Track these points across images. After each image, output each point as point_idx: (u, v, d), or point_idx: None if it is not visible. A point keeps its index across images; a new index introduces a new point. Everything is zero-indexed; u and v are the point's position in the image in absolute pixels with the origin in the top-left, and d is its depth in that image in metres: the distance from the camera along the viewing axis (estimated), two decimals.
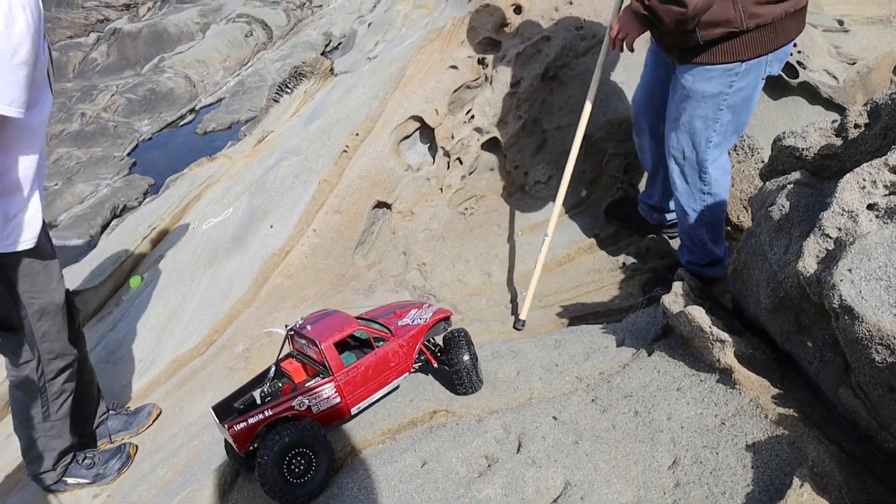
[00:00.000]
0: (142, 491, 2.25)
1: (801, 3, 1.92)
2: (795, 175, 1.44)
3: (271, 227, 3.16)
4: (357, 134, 3.15)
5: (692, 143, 2.17)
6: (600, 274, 2.78)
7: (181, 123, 9.65)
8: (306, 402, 1.52)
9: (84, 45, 10.93)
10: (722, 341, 1.36)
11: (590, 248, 2.90)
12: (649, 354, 1.58)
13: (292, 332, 1.75)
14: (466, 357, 1.61)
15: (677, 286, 1.59)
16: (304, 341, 1.69)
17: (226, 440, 1.62)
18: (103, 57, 10.57)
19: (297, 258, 3.07)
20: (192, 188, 4.63)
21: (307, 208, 3.13)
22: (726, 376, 1.36)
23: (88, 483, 2.45)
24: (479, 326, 2.55)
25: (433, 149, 3.17)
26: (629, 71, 3.09)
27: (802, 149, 1.45)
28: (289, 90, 6.03)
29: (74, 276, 4.13)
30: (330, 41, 10.63)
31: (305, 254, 3.07)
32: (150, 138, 9.30)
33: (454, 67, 3.09)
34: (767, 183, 1.52)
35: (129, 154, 8.81)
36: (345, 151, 3.17)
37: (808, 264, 1.19)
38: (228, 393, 2.54)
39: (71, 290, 3.64)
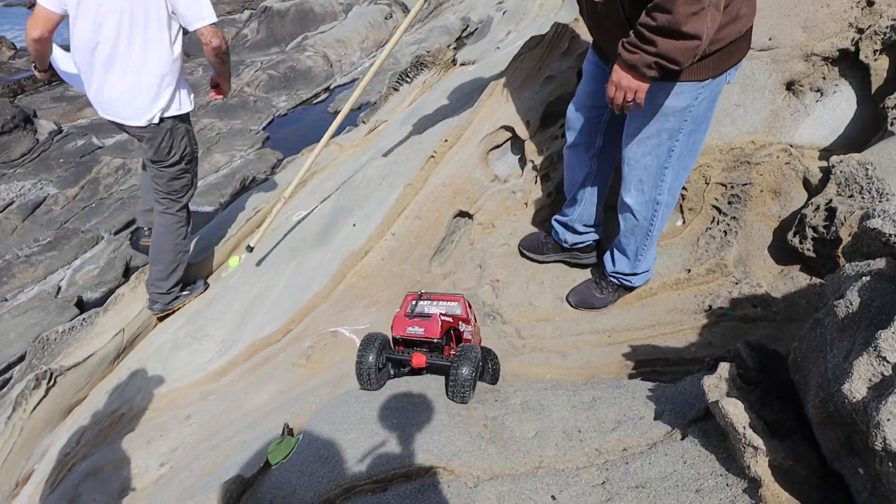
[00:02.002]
0: (194, 468, 2.37)
1: (754, 13, 1.97)
2: (879, 263, 1.21)
3: (354, 225, 3.19)
4: (446, 140, 3.09)
5: (655, 154, 2.19)
6: (682, 315, 2.56)
7: (315, 101, 10.04)
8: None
9: (238, 21, 11.62)
10: (755, 447, 1.18)
11: (675, 285, 2.68)
12: (682, 437, 1.41)
13: (414, 295, 2.11)
14: (465, 371, 1.72)
15: (724, 368, 1.40)
16: (427, 302, 2.06)
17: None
18: (253, 33, 11.20)
19: (375, 260, 3.09)
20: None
21: (390, 211, 3.13)
22: (754, 489, 1.18)
23: (188, 299, 3.65)
24: (538, 357, 2.44)
25: (522, 162, 3.05)
26: (747, 91, 2.80)
27: (890, 235, 1.21)
28: (409, 79, 6.06)
29: (197, 241, 4.42)
30: (467, 26, 10.62)
31: (383, 256, 3.08)
32: (285, 114, 9.75)
33: (551, 78, 2.94)
34: (847, 266, 1.29)
35: (263, 128, 9.30)
36: (432, 157, 3.12)
37: (857, 388, 1.00)
38: (291, 386, 2.61)
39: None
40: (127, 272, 6.71)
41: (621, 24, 1.91)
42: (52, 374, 3.32)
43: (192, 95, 3.27)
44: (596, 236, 2.72)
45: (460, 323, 2.05)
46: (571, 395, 1.70)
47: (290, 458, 1.60)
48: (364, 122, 6.11)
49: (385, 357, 1.86)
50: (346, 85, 10.23)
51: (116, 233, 7.33)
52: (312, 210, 3.51)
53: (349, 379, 2.28)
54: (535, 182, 3.00)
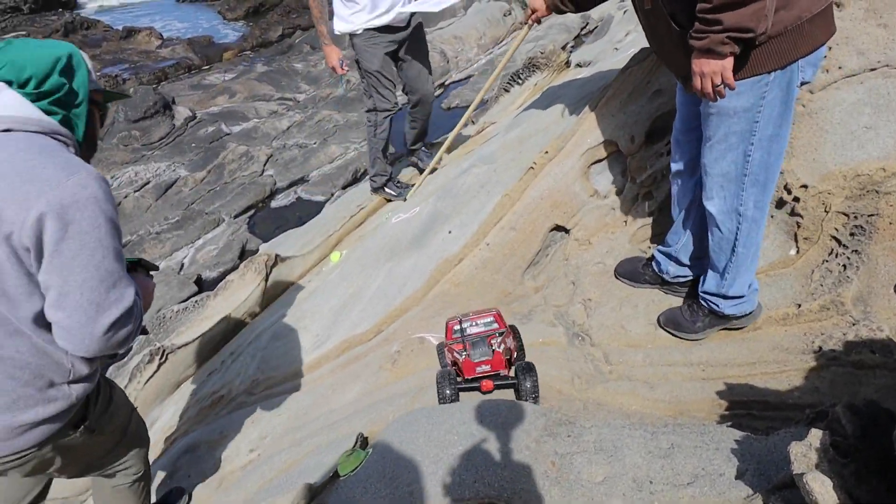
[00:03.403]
0: (276, 462, 2.47)
1: (823, 3, 1.82)
2: None
3: (450, 232, 3.20)
4: (546, 151, 3.03)
5: (730, 160, 2.09)
6: (787, 354, 2.37)
7: None
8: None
9: None
10: None
11: (783, 320, 2.49)
12: None
13: (456, 321, 2.41)
14: (529, 384, 2.11)
15: (815, 436, 1.28)
16: (469, 323, 2.36)
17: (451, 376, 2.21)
18: None
19: (468, 268, 3.08)
20: (412, 173, 4.87)
21: (486, 220, 3.11)
22: None
23: (395, 197, 4.30)
24: (624, 386, 2.34)
25: (624, 178, 2.94)
26: (880, 112, 2.54)
27: None
28: (520, 81, 6.00)
29: (295, 238, 4.62)
30: (587, 24, 10.38)
31: (476, 265, 3.07)
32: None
33: (659, 92, 2.80)
34: None
35: None
36: (532, 168, 3.07)
37: None
38: (374, 388, 2.66)
39: (283, 255, 4.07)
40: (243, 254, 7.11)
41: (666, 24, 1.93)
42: (164, 350, 3.57)
43: None
44: (700, 271, 2.57)
45: (497, 335, 2.31)
46: (649, 439, 1.62)
47: (357, 471, 1.63)
48: (473, 123, 6.12)
49: (457, 388, 2.17)
50: (461, 81, 10.28)
51: (236, 216, 7.77)
52: (411, 212, 3.55)
53: (428, 391, 2.30)
54: (637, 200, 2.88)
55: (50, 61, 1.54)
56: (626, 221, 2.91)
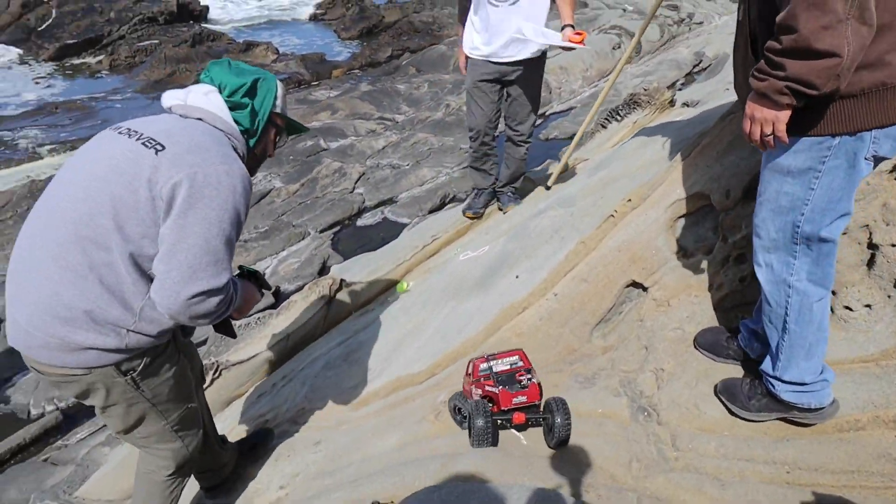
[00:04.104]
0: None
1: None
2: None
3: (517, 277, 2.98)
4: (630, 199, 2.76)
5: (779, 224, 1.87)
6: None
7: None
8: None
9: None
10: None
11: (894, 423, 2.10)
12: None
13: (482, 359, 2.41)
14: (560, 419, 2.10)
15: None
16: (495, 361, 2.37)
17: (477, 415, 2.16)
18: None
19: (532, 318, 2.85)
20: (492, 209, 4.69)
21: (557, 268, 2.87)
22: None
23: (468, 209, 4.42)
24: (690, 480, 2.03)
25: (715, 236, 2.62)
26: None
27: None
28: (619, 117, 5.71)
29: (366, 262, 4.52)
30: (700, 62, 9.92)
31: (541, 316, 2.83)
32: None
33: None
34: None
35: None
36: (612, 216, 2.81)
37: None
38: (412, 440, 2.47)
39: (350, 279, 3.97)
40: (322, 270, 7.13)
41: (745, 48, 1.78)
42: (218, 366, 3.53)
43: None
44: None
45: (523, 370, 2.31)
46: None
47: None
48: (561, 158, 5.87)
49: (492, 419, 2.15)
50: (562, 113, 10.04)
51: (322, 231, 7.84)
52: (480, 251, 3.36)
53: (462, 458, 2.08)
54: (727, 262, 2.55)
55: (239, 83, 1.92)
56: (712, 285, 2.58)
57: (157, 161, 1.69)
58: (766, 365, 2.13)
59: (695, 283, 2.62)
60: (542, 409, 2.23)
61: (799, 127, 1.65)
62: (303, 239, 7.71)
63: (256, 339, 3.85)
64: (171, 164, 1.69)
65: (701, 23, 10.91)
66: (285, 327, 3.83)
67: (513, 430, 2.31)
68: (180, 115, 1.88)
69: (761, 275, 2.00)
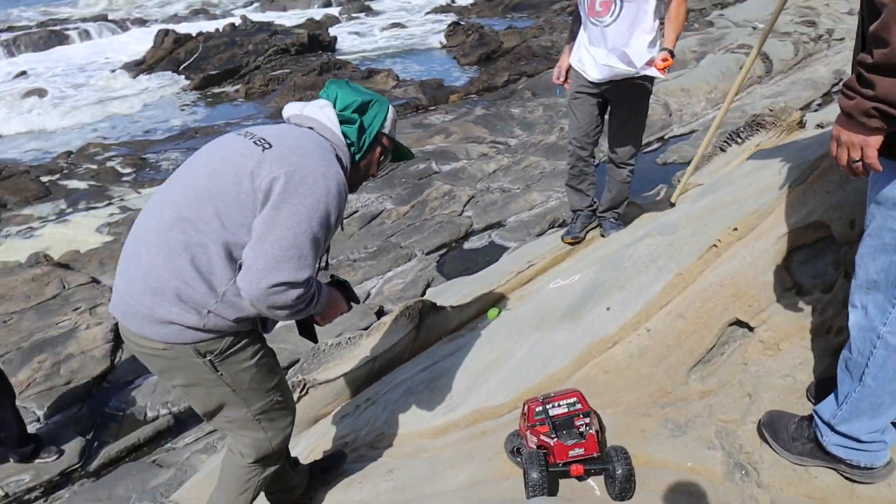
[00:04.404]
0: None
1: None
2: None
3: (608, 309, 2.77)
4: (735, 229, 2.49)
5: (881, 264, 1.60)
6: None
7: (646, 150, 9.58)
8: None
9: None
10: None
11: None
12: None
13: (539, 402, 2.25)
14: (621, 471, 1.95)
15: None
16: (551, 405, 2.21)
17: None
18: None
19: (622, 354, 2.62)
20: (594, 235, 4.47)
21: (652, 301, 2.63)
22: None
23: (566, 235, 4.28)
24: None
25: (836, 272, 2.29)
26: None
27: None
28: (739, 140, 5.30)
29: (461, 287, 4.43)
30: (839, 80, 9.13)
31: (632, 353, 2.60)
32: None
33: None
34: None
35: None
36: (714, 246, 2.54)
37: None
38: (481, 480, 2.34)
39: (442, 303, 3.89)
40: (425, 292, 7.12)
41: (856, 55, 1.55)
42: (305, 384, 3.55)
43: None
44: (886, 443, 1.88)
45: (580, 414, 2.16)
46: None
47: None
48: (675, 184, 5.52)
49: (547, 472, 2.01)
50: (683, 136, 9.56)
51: (428, 253, 7.86)
52: (571, 280, 3.16)
53: None
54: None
55: (352, 99, 2.04)
56: (831, 328, 2.25)
57: (262, 157, 1.82)
58: (824, 408, 1.89)
59: (810, 325, 2.30)
60: (601, 458, 2.07)
61: None
62: (409, 260, 7.76)
63: (345, 359, 3.84)
64: (273, 161, 1.80)
65: (842, 39, 10.04)
66: (375, 348, 3.80)
67: (587, 480, 2.12)
68: (296, 125, 2.03)
69: (853, 317, 1.76)
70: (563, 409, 2.17)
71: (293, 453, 3.46)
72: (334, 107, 2.05)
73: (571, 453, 2.01)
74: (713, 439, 2.19)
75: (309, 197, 1.79)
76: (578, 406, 2.19)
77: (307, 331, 2.18)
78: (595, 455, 2.03)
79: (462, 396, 3.05)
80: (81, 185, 10.49)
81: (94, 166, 11.08)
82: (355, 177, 2.15)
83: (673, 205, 3.46)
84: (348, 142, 2.04)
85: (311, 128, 2.00)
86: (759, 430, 2.12)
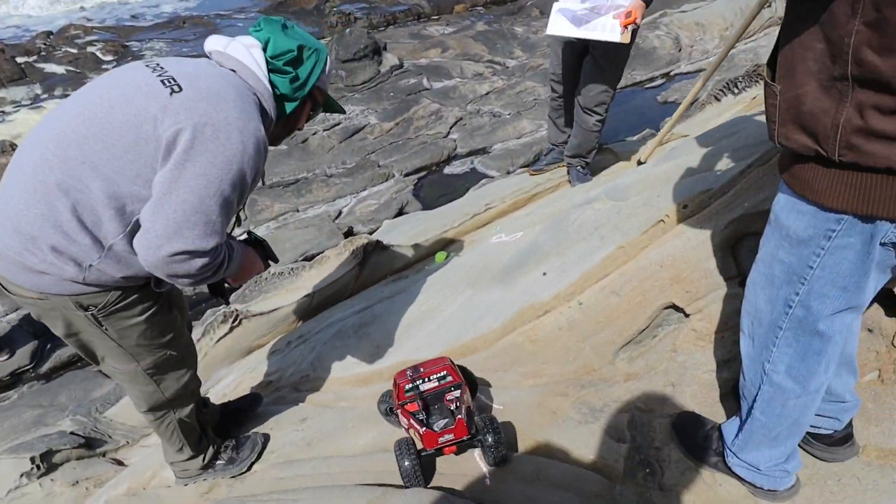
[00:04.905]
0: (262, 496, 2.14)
1: None
2: None
3: (544, 274, 2.59)
4: (686, 206, 2.27)
5: (766, 295, 1.45)
6: None
7: (647, 85, 9.15)
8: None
9: None
10: None
11: None
12: None
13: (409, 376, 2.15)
14: (491, 438, 1.91)
15: None
16: (421, 380, 2.11)
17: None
18: None
19: (551, 325, 2.47)
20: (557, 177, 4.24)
21: (588, 272, 2.45)
22: None
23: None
24: None
25: None
26: None
27: None
28: (736, 89, 4.98)
29: (414, 223, 4.22)
30: None
31: (562, 325, 2.44)
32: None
33: None
34: None
35: None
36: (662, 222, 2.33)
37: None
38: (384, 441, 2.23)
39: (391, 241, 3.71)
40: (398, 215, 6.93)
41: None
42: (238, 315, 3.42)
43: None
44: (831, 425, 1.77)
45: (451, 387, 2.07)
46: None
47: None
48: (657, 131, 5.23)
49: (418, 459, 1.93)
50: (689, 74, 9.10)
51: (406, 174, 7.61)
52: (513, 237, 2.96)
53: (398, 495, 1.79)
54: None
55: (286, 48, 1.75)
56: None
57: (169, 102, 1.54)
58: (729, 429, 1.78)
59: None
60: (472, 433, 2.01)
61: (800, 185, 1.23)
62: (386, 180, 7.51)
63: (285, 290, 3.70)
64: (181, 108, 1.53)
65: None
66: (315, 282, 3.65)
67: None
68: (216, 63, 1.74)
69: (742, 343, 1.60)
70: (434, 384, 2.08)
71: (220, 387, 3.38)
72: (264, 51, 1.76)
73: (441, 440, 1.94)
74: (625, 430, 2.06)
75: (219, 155, 1.53)
76: (449, 379, 2.09)
77: (218, 290, 1.97)
78: (465, 438, 1.95)
79: (388, 347, 2.92)
80: (59, 69, 10.05)
81: (74, 50, 10.60)
82: (280, 131, 1.92)
83: (641, 163, 3.21)
84: (277, 93, 1.79)
85: (234, 70, 1.71)
86: (671, 428, 1.99)
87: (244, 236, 2.10)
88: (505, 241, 2.94)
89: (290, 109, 1.85)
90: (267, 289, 3.80)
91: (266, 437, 2.55)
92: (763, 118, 1.30)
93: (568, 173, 3.97)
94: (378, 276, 3.69)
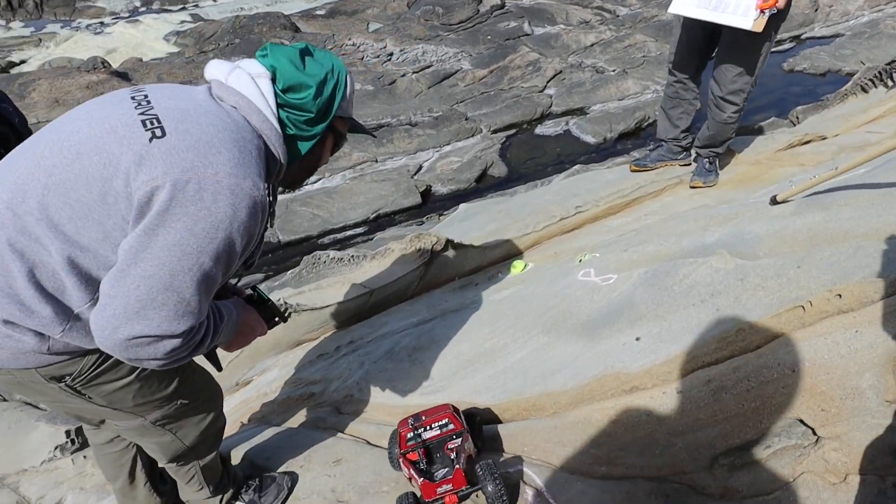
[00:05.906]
0: None
1: None
2: None
3: (637, 339, 2.13)
4: (840, 296, 1.73)
5: None
6: None
7: (773, 49, 8.12)
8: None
9: None
10: None
11: None
12: None
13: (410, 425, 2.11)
14: (491, 487, 1.81)
15: None
16: (423, 428, 2.06)
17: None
18: None
19: (638, 407, 2.02)
20: (660, 178, 3.66)
21: (693, 352, 1.97)
22: None
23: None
24: None
25: None
26: None
27: None
28: (891, 82, 4.19)
29: (488, 219, 3.76)
30: None
31: (651, 410, 2.00)
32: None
33: None
34: None
35: None
36: (801, 308, 1.81)
37: None
38: None
39: (459, 240, 3.29)
40: (481, 178, 6.49)
41: None
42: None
43: None
44: None
45: (453, 435, 2.04)
46: None
47: None
48: (794, 122, 4.51)
49: None
50: (822, 40, 8.01)
51: (495, 131, 7.10)
52: (604, 278, 2.47)
53: None
54: None
55: (298, 81, 1.43)
56: None
57: (146, 150, 1.24)
58: None
59: None
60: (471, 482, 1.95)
61: None
62: (472, 136, 7.04)
63: (344, 278, 3.37)
64: (160, 159, 1.23)
65: None
66: (376, 277, 3.30)
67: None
68: (216, 98, 1.42)
69: None
70: (436, 432, 2.06)
71: (263, 380, 3.14)
72: (274, 81, 1.43)
73: (440, 490, 1.90)
74: None
75: (202, 221, 1.23)
76: (451, 427, 2.06)
77: (210, 357, 1.67)
78: (464, 488, 1.89)
79: (443, 381, 2.56)
80: None
81: None
82: (296, 174, 1.62)
83: (776, 202, 2.56)
84: (288, 132, 1.46)
85: (235, 107, 1.39)
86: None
87: (248, 291, 1.78)
88: (594, 281, 2.46)
89: (305, 150, 1.53)
90: (325, 273, 3.50)
91: (294, 480, 2.27)
92: None
93: (695, 172, 3.47)
94: (445, 277, 3.31)
